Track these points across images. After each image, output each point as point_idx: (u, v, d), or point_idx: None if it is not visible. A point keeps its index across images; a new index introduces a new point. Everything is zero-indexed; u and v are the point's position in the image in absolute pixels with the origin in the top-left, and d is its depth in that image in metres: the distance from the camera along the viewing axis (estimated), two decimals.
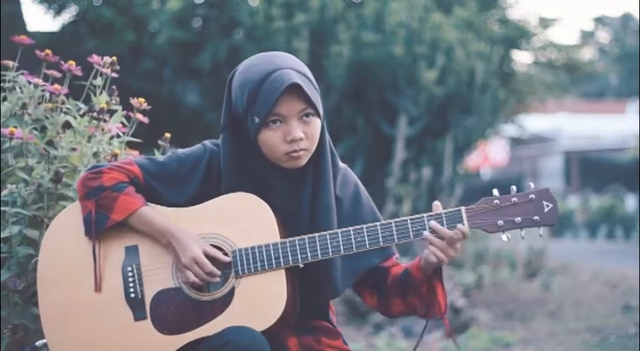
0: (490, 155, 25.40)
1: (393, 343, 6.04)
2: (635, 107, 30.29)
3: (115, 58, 2.87)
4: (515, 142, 19.18)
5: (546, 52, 11.08)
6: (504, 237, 2.23)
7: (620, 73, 37.82)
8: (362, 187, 2.40)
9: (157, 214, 2.25)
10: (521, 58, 14.16)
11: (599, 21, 45.47)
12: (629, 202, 20.75)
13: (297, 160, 2.23)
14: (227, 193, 2.26)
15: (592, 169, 27.56)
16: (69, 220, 2.29)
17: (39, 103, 2.74)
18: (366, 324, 6.82)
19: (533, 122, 18.10)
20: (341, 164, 2.38)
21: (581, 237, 18.89)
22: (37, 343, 2.37)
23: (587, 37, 40.58)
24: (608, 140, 28.96)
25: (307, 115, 2.21)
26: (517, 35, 10.06)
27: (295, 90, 2.17)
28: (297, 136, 2.19)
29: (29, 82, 2.76)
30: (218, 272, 2.21)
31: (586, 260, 12.66)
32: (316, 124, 2.23)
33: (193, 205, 2.27)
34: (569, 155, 28.70)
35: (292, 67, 2.21)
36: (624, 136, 24.84)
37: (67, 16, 10.04)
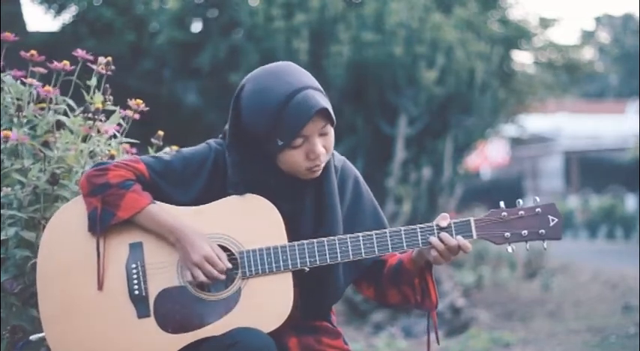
0: (490, 155, 25.39)
1: (393, 343, 6.04)
2: (635, 107, 30.25)
3: (109, 58, 2.85)
4: (515, 142, 19.16)
5: (546, 52, 11.06)
6: (510, 248, 2.29)
7: (620, 73, 37.78)
8: (361, 179, 2.44)
9: (164, 212, 2.23)
10: (521, 58, 14.16)
11: (600, 21, 45.44)
12: (629, 202, 20.76)
13: (316, 173, 2.26)
14: (233, 195, 2.26)
15: (592, 169, 27.53)
16: (68, 217, 2.28)
17: (28, 103, 2.72)
18: (366, 324, 6.81)
19: (533, 122, 18.08)
20: (339, 157, 2.41)
21: (581, 237, 18.89)
22: (31, 338, 2.35)
23: (587, 37, 40.54)
24: (608, 140, 28.93)
25: (325, 127, 2.24)
26: (517, 35, 10.04)
27: (321, 112, 2.19)
28: (321, 152, 2.22)
29: (16, 80, 2.73)
30: (229, 266, 2.20)
31: (586, 260, 12.66)
32: (332, 134, 2.27)
33: (198, 204, 2.26)
34: (569, 155, 28.67)
35: (309, 85, 2.21)
36: (624, 136, 24.82)
37: (67, 16, 10.02)
